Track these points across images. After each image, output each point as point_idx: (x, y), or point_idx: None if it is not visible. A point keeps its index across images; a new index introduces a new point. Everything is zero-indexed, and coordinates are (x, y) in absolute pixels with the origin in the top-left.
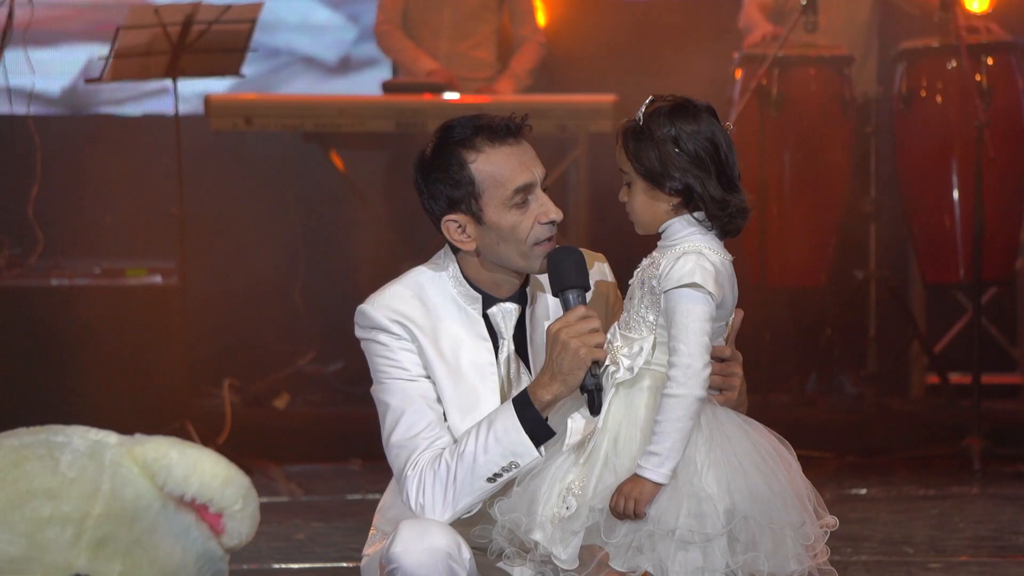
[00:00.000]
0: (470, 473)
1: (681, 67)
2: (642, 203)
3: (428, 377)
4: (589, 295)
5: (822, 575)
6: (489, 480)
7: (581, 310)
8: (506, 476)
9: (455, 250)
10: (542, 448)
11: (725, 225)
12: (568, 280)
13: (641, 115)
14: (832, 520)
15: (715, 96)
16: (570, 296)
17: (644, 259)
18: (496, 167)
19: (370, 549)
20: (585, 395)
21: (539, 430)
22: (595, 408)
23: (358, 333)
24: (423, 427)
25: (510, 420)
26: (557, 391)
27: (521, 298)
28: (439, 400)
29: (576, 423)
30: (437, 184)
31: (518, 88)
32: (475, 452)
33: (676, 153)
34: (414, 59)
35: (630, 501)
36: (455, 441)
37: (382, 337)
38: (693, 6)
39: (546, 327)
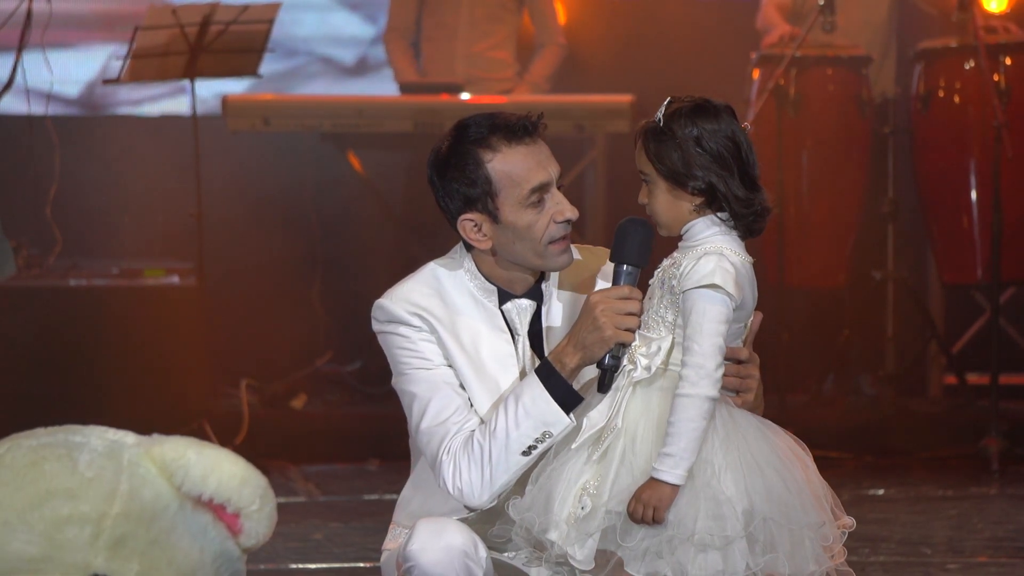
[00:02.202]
0: (504, 450)
1: (698, 67)
2: (665, 204)
3: (450, 366)
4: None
5: None
6: (524, 454)
7: (626, 290)
8: (540, 447)
9: (469, 247)
10: (572, 415)
11: (750, 225)
12: (627, 255)
13: (661, 116)
14: (849, 521)
15: (732, 97)
16: (622, 271)
17: (665, 259)
18: (513, 166)
19: (390, 544)
20: (598, 370)
21: (568, 396)
22: (603, 386)
23: (375, 327)
24: (451, 412)
25: (537, 390)
26: (578, 361)
27: (536, 295)
28: (462, 387)
29: (592, 419)
30: (453, 183)
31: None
32: (506, 428)
33: (699, 153)
34: (399, 71)
35: (649, 508)
36: (483, 422)
37: (402, 329)
38: (710, 6)
39: (568, 328)
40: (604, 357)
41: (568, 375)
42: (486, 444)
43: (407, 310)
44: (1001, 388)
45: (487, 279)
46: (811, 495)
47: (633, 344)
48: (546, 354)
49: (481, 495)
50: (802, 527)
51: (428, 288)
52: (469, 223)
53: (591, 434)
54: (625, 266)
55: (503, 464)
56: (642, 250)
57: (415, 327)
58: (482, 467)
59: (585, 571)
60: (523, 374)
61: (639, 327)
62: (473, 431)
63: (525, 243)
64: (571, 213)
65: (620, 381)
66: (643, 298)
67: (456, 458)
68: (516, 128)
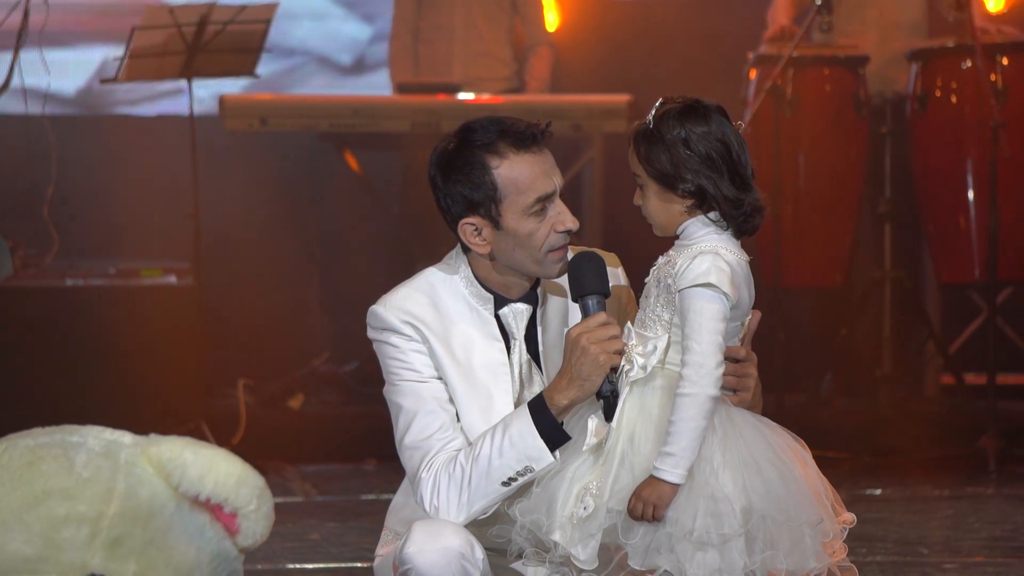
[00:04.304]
0: (485, 476)
1: (695, 67)
2: (656, 206)
3: (440, 378)
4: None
5: (842, 572)
6: (504, 484)
7: (602, 316)
8: (521, 480)
9: (466, 250)
10: (557, 453)
11: (740, 225)
12: (588, 286)
13: (651, 118)
14: (850, 517)
15: (729, 96)
16: (590, 302)
17: (660, 257)
18: (519, 174)
19: (383, 549)
20: (600, 401)
21: (554, 434)
22: (610, 414)
23: (370, 334)
24: (436, 428)
25: (525, 424)
26: (574, 396)
27: (532, 298)
28: (451, 400)
29: (594, 424)
30: (457, 186)
31: None
32: (490, 455)
33: (687, 155)
34: (394, 73)
35: (648, 505)
36: (469, 443)
37: (393, 339)
38: (707, 6)
39: (564, 331)
40: (602, 387)
41: (558, 413)
42: (468, 468)
43: (399, 318)
44: (998, 388)
45: (483, 284)
46: (810, 491)
47: (630, 343)
48: (542, 357)
49: (457, 516)
50: (801, 524)
51: (422, 295)
52: (470, 227)
53: (596, 442)
54: (591, 297)
55: (482, 490)
56: (601, 280)
57: (406, 336)
58: (460, 490)
59: (588, 571)
60: (515, 381)
61: (624, 349)
62: (457, 451)
63: (524, 250)
64: (572, 223)
65: (619, 383)
66: (639, 298)
67: (436, 477)
68: (525, 136)
